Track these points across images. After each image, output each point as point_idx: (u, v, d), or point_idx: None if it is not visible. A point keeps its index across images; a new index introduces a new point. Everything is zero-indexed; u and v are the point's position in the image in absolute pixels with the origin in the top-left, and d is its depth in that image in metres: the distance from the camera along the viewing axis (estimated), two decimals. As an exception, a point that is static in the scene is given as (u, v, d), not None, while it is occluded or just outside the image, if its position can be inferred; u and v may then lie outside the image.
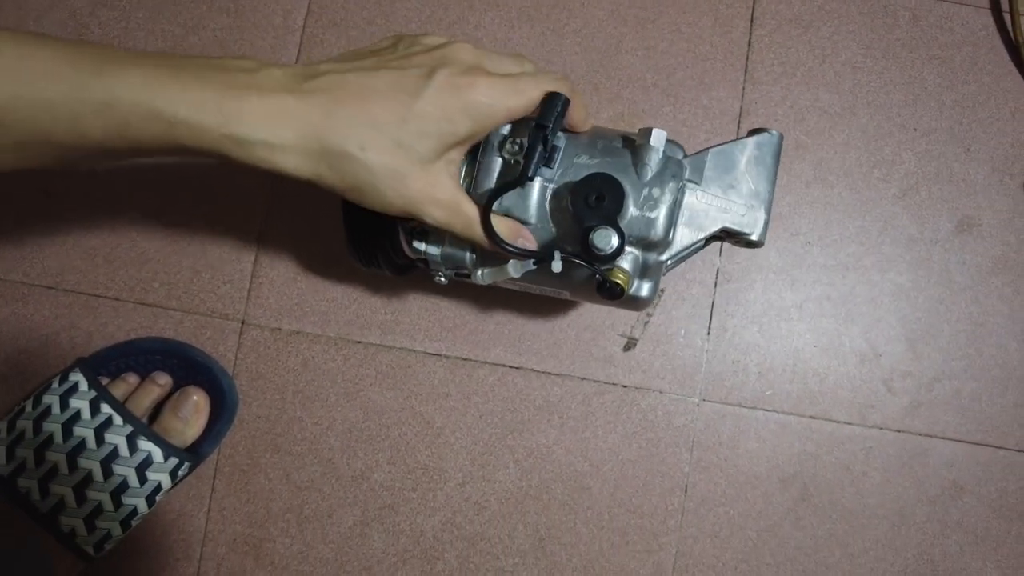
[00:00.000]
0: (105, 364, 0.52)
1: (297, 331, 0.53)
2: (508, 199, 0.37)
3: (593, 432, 0.52)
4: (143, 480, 0.47)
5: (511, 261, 0.37)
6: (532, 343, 0.53)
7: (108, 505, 0.47)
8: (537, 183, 0.37)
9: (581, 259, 0.35)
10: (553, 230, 0.37)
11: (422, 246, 0.39)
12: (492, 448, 0.52)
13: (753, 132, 0.40)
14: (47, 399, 0.48)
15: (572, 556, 0.51)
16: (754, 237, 0.39)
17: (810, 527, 0.52)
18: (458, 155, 0.35)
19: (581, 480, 0.52)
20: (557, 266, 0.35)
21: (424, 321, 0.53)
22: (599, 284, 0.36)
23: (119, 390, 0.50)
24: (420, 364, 0.53)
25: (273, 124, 0.30)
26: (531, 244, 0.37)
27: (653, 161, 0.36)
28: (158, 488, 0.48)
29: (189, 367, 0.52)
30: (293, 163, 0.31)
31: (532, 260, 0.36)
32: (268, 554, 0.51)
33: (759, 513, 0.52)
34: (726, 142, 0.39)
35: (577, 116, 0.37)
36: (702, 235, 0.39)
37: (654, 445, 0.52)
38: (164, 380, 0.51)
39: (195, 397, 0.50)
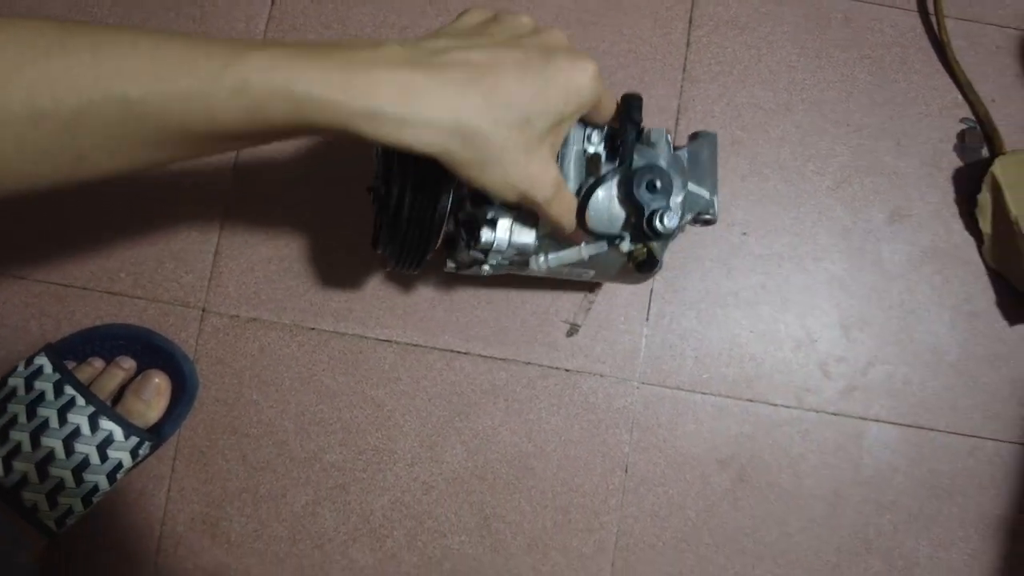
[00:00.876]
0: (72, 349, 0.54)
1: (255, 318, 0.55)
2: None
3: (537, 414, 0.54)
4: (104, 458, 0.50)
5: (583, 245, 0.40)
6: (479, 330, 0.55)
7: (70, 482, 0.49)
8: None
9: (643, 238, 0.39)
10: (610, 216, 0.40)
11: (492, 235, 0.40)
12: (440, 430, 0.54)
13: (694, 136, 0.44)
14: (12, 381, 0.51)
15: (517, 534, 0.53)
16: (714, 218, 0.43)
17: (748, 507, 0.54)
18: (557, 138, 0.35)
19: (525, 461, 0.54)
20: (627, 246, 0.40)
21: (376, 309, 0.55)
22: (644, 260, 0.40)
23: (84, 374, 0.52)
24: (371, 350, 0.55)
25: (406, 100, 0.30)
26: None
27: (682, 158, 0.42)
28: (119, 466, 0.50)
29: (152, 352, 0.54)
30: (425, 139, 0.31)
31: (605, 242, 0.40)
32: (224, 532, 0.53)
33: (698, 493, 0.54)
34: (684, 146, 0.44)
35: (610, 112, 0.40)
36: (688, 218, 0.42)
37: (595, 427, 0.54)
38: (128, 364, 0.54)
39: (157, 380, 0.53)
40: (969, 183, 0.57)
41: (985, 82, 0.58)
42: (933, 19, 0.58)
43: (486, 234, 0.40)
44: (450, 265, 0.46)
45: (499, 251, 0.41)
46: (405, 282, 0.55)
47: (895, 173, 0.57)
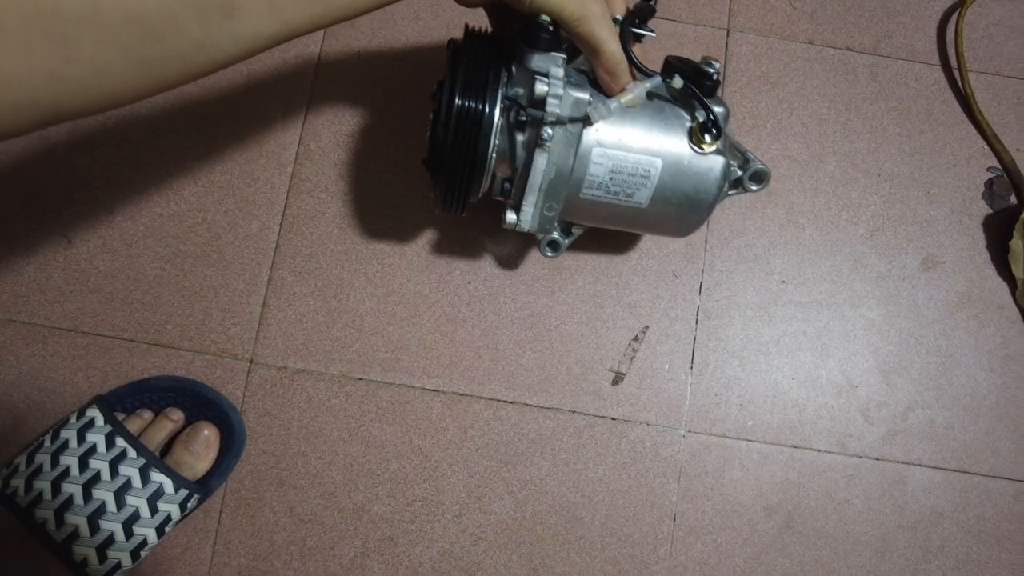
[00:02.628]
0: (121, 401, 0.55)
1: (302, 369, 0.56)
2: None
3: (584, 464, 0.55)
4: (154, 511, 0.50)
5: (636, 83, 0.41)
6: (525, 378, 0.56)
7: (120, 535, 0.49)
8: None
9: (693, 88, 0.41)
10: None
11: (546, 86, 0.39)
12: (487, 480, 0.54)
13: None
14: (65, 433, 0.51)
15: (566, 585, 0.53)
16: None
17: (796, 554, 0.54)
18: None
19: (573, 511, 0.54)
20: (679, 82, 0.40)
21: (422, 359, 0.56)
22: (705, 122, 0.41)
23: (134, 425, 0.53)
24: (419, 400, 0.55)
25: None
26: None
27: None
28: (168, 519, 0.50)
29: (200, 404, 0.55)
30: None
31: (657, 78, 0.41)
32: (271, 586, 0.53)
33: (745, 540, 0.54)
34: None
35: None
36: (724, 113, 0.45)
37: (643, 476, 0.54)
38: (177, 416, 0.54)
39: (206, 432, 0.53)
40: (999, 230, 0.58)
41: (1009, 132, 0.60)
42: (956, 73, 0.61)
43: (539, 86, 0.39)
44: (510, 218, 0.44)
45: (556, 96, 0.39)
46: (451, 330, 0.56)
47: (926, 221, 0.59)
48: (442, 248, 0.58)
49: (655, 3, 0.44)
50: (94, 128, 0.59)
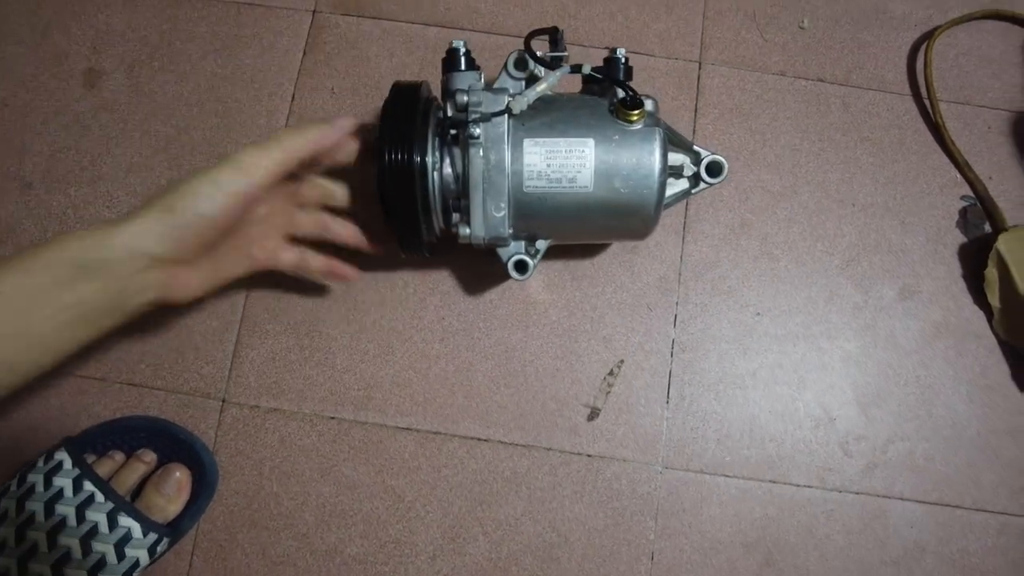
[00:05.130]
0: (92, 442, 0.54)
1: (275, 408, 0.55)
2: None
3: (560, 502, 0.54)
4: (121, 556, 0.49)
5: (549, 72, 0.44)
6: (499, 415, 0.55)
7: (85, 584, 0.48)
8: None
9: (601, 70, 0.44)
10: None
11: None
12: (462, 521, 0.54)
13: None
14: (31, 478, 0.50)
15: (542, 627, 0.52)
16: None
17: (777, 592, 0.53)
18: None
19: (550, 551, 0.53)
20: (587, 68, 0.44)
21: (395, 396, 0.55)
22: (624, 98, 0.44)
23: (105, 467, 0.52)
24: (392, 439, 0.55)
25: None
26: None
27: None
28: (136, 565, 0.49)
29: (173, 444, 0.54)
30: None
31: (566, 68, 0.44)
32: (242, 632, 0.52)
33: (725, 579, 0.53)
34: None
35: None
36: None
37: (620, 514, 0.54)
38: (149, 457, 0.53)
39: (178, 474, 0.52)
40: (975, 258, 0.58)
41: (981, 161, 0.60)
42: (927, 102, 0.61)
43: (460, 96, 0.44)
44: (463, 232, 0.46)
45: (476, 97, 0.44)
46: (425, 367, 0.56)
47: (902, 251, 0.59)
48: (415, 283, 0.57)
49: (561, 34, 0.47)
50: (69, 167, 0.60)
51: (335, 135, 0.46)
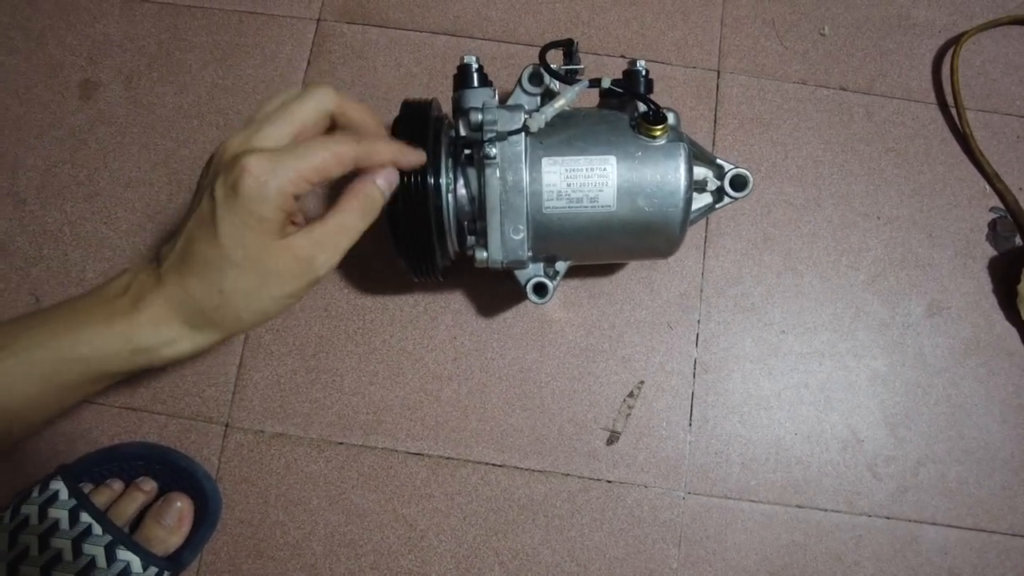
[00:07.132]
0: (88, 470, 0.52)
1: (280, 433, 0.53)
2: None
3: (579, 531, 0.52)
4: (119, 594, 0.46)
5: (566, 87, 0.41)
6: (515, 439, 0.53)
7: (81, 623, 0.45)
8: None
9: (621, 84, 0.42)
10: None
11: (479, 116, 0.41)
12: (477, 551, 0.51)
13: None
14: (25, 509, 0.48)
15: (562, 662, 0.50)
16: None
17: (805, 623, 0.51)
18: (276, 214, 0.33)
19: (568, 580, 0.51)
20: (606, 81, 0.41)
21: (406, 420, 0.53)
22: (646, 112, 0.42)
23: (103, 497, 0.50)
24: (402, 464, 0.52)
25: (157, 325, 0.33)
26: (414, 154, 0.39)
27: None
28: (134, 602, 0.47)
29: (173, 472, 0.52)
30: (189, 345, 0.34)
31: (584, 82, 0.41)
32: (247, 669, 0.50)
33: (752, 610, 0.51)
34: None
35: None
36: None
37: (641, 542, 0.51)
38: (149, 486, 0.51)
39: (179, 504, 0.50)
40: (1006, 272, 0.56)
41: (1011, 171, 0.58)
42: (953, 111, 0.59)
43: (474, 115, 0.41)
44: (479, 256, 0.43)
45: (491, 115, 0.41)
46: (436, 389, 0.54)
47: (929, 265, 0.57)
48: (426, 302, 0.55)
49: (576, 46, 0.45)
50: (64, 182, 0.57)
51: (414, 160, 0.38)
